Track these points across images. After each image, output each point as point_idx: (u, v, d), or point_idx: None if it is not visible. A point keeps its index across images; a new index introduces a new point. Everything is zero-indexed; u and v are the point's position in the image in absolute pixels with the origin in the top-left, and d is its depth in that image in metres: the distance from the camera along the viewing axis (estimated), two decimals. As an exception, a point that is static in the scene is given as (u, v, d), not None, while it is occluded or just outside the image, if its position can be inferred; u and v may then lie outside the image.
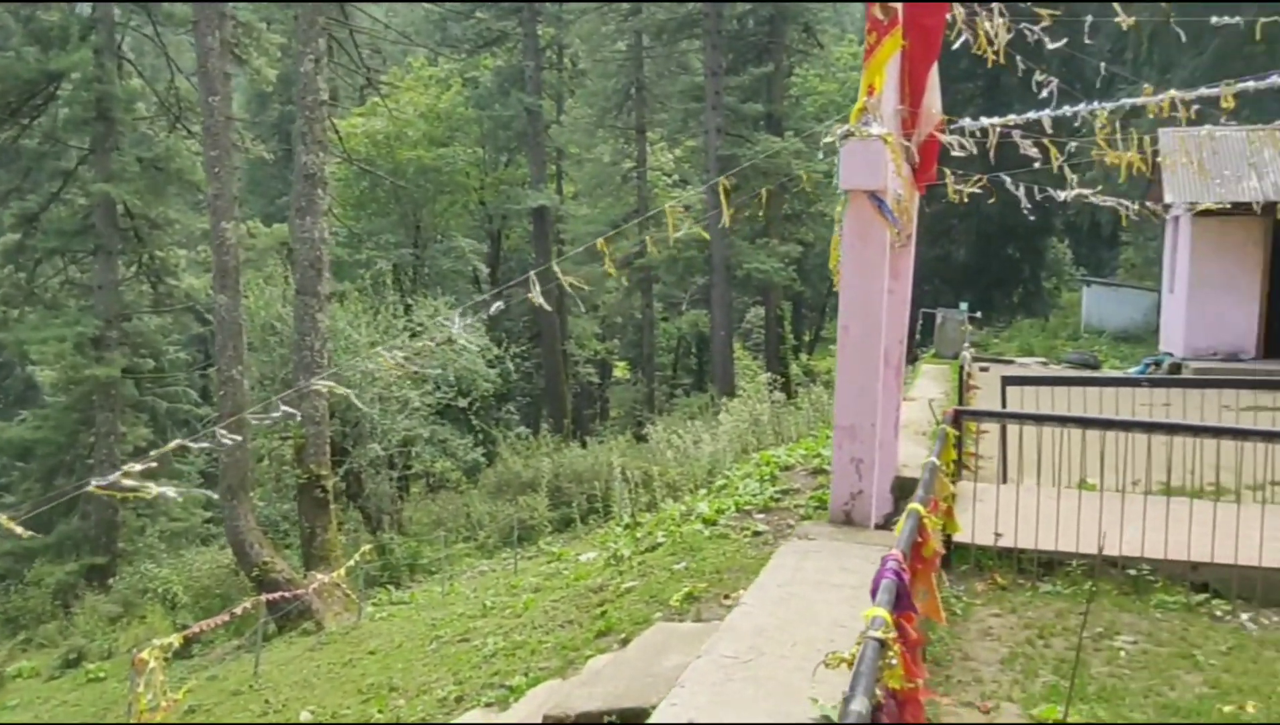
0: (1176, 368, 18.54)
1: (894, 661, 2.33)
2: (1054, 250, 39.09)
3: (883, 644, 2.32)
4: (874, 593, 2.81)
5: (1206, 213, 17.50)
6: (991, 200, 9.10)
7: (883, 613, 2.47)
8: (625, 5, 36.42)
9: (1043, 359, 23.14)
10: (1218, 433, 5.65)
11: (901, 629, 2.95)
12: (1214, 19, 8.06)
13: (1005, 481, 8.14)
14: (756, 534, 8.21)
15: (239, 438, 14.90)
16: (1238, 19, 7.84)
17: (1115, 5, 6.37)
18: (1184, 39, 10.03)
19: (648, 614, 7.55)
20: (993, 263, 36.13)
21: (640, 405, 38.20)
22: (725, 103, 33.82)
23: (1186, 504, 6.06)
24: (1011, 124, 6.30)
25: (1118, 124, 8.48)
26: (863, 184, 6.21)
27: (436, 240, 36.90)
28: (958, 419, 6.06)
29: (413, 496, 25.90)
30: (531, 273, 5.71)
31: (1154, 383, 8.05)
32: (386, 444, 21.27)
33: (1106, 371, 20.35)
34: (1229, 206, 17.37)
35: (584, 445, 25.24)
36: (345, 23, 24.74)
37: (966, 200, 8.62)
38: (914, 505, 3.68)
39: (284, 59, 27.05)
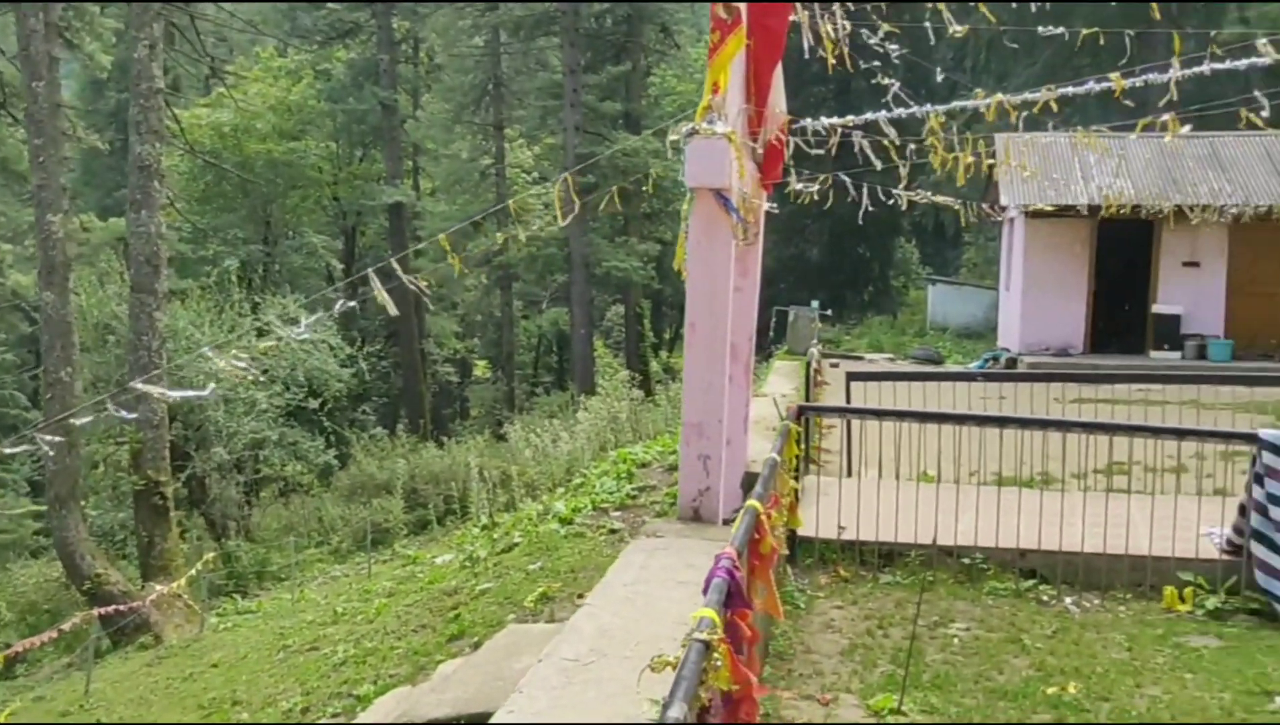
0: (1013, 362, 19.40)
1: (719, 663, 2.31)
2: (902, 250, 40.45)
3: (708, 646, 2.29)
4: (706, 592, 2.79)
5: (1039, 214, 18.38)
6: (850, 199, 9.34)
7: (711, 613, 2.45)
8: (482, 1, 36.00)
9: (890, 355, 23.90)
10: (1044, 425, 5.89)
11: (734, 627, 2.94)
12: (1041, 29, 8.42)
13: (850, 475, 8.32)
14: (612, 532, 8.22)
15: (63, 442, 14.08)
16: (1062, 30, 8.21)
17: (946, 14, 6.57)
18: (1018, 48, 10.49)
19: (501, 616, 7.45)
20: (844, 262, 37.16)
21: (500, 404, 37.86)
22: (584, 101, 33.80)
23: (1016, 493, 6.31)
24: (851, 124, 6.43)
25: (955, 127, 8.79)
26: (707, 182, 6.23)
27: (288, 236, 35.71)
28: (801, 415, 6.15)
29: (262, 501, 24.99)
30: (370, 270, 5.52)
31: (988, 377, 8.38)
32: (232, 448, 20.43)
33: (949, 366, 21.15)
34: (1058, 209, 18.30)
35: (441, 446, 24.82)
36: (186, 9, 23.67)
37: (816, 199, 8.80)
38: (751, 502, 3.68)
39: (120, 44, 25.72)
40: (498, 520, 14.17)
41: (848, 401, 8.49)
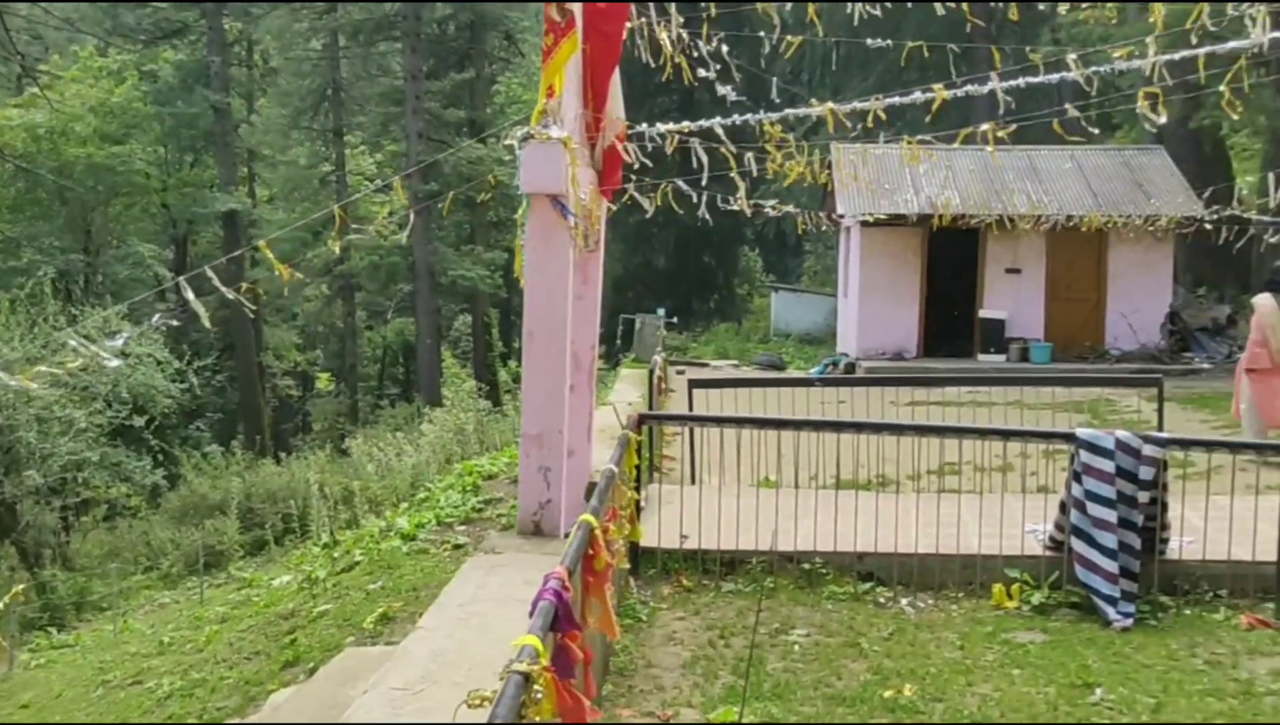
0: (851, 367, 19.96)
1: (540, 695, 2.17)
2: (746, 258, 41.24)
3: (527, 678, 2.16)
4: (532, 615, 2.65)
5: (873, 223, 18.98)
6: (699, 209, 9.36)
7: (534, 641, 2.31)
8: (320, 4, 34.97)
9: (735, 361, 24.28)
10: (879, 428, 5.99)
11: (564, 651, 2.81)
12: (871, 41, 8.64)
13: (694, 482, 8.32)
14: (457, 547, 8.02)
15: None
16: (890, 42, 8.44)
17: (774, 16, 6.65)
18: (851, 62, 10.76)
19: (340, 639, 7.13)
20: (691, 270, 37.62)
21: (343, 418, 36.75)
22: (427, 107, 33.20)
23: (855, 496, 6.38)
24: (688, 131, 6.41)
25: (794, 138, 8.92)
26: (544, 187, 6.10)
27: (112, 245, 33.74)
28: (642, 423, 6.07)
29: (83, 526, 23.47)
30: (182, 277, 5.17)
31: (825, 382, 8.52)
32: (47, 471, 19.10)
33: (791, 372, 21.62)
34: (891, 218, 18.94)
35: (280, 462, 23.86)
36: (-9, 2, 22.10)
37: (660, 208, 8.79)
38: (585, 517, 3.56)
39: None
40: (339, 538, 13.64)
41: (690, 409, 8.50)
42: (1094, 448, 5.51)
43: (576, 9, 6.80)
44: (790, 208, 13.40)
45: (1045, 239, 19.01)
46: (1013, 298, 19.30)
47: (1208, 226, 15.89)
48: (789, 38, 8.34)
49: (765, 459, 7.83)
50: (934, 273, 19.79)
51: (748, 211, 7.99)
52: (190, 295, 5.16)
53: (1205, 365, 17.90)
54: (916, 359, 19.43)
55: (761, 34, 8.33)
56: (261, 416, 33.48)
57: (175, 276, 35.65)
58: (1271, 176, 16.85)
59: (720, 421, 6.04)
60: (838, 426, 5.92)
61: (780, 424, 5.97)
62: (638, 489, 5.96)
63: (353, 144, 39.56)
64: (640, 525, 5.88)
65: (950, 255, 19.69)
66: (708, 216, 10.36)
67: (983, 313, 19.27)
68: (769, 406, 8.83)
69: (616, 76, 7.50)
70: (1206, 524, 5.51)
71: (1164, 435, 5.49)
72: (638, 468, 5.92)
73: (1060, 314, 19.12)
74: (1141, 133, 24.84)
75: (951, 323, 20.04)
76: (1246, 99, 20.51)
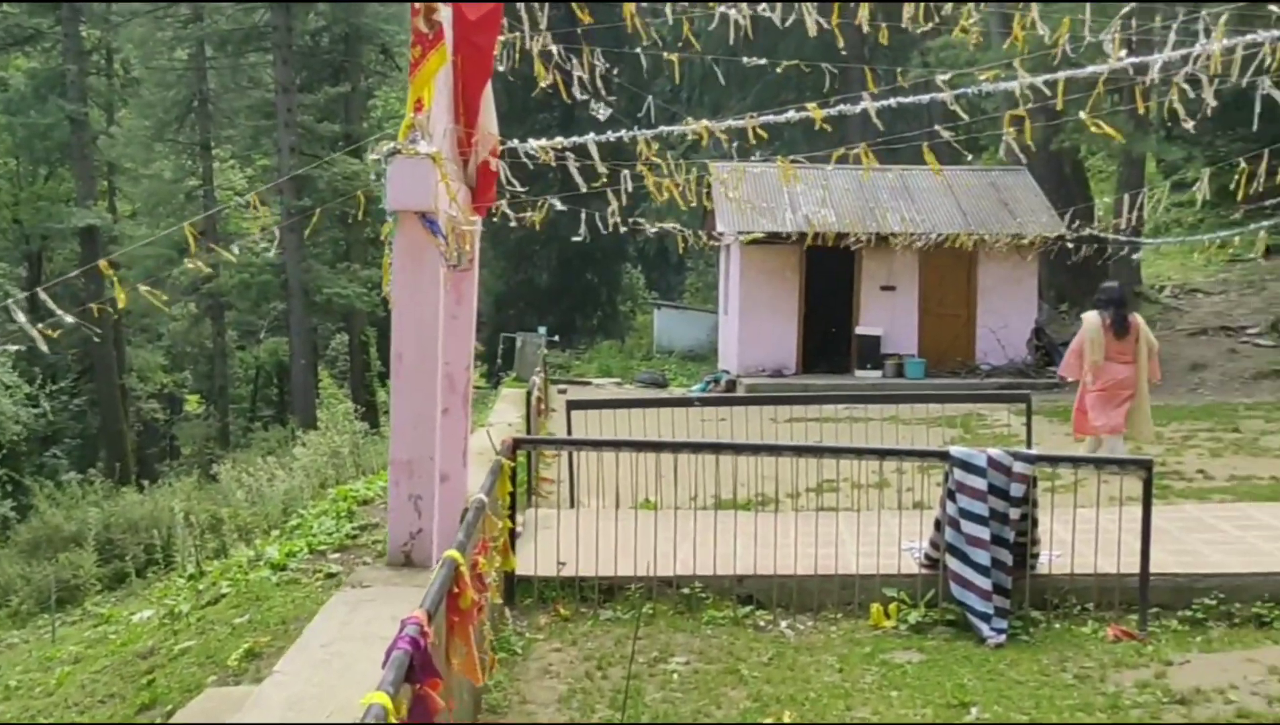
0: (732, 384, 20.07)
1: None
2: (629, 275, 41.31)
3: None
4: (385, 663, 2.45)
5: (752, 241, 19.16)
6: (580, 227, 9.23)
7: (382, 700, 2.11)
8: (184, 10, 33.74)
9: (618, 379, 24.20)
10: (756, 449, 5.92)
11: (423, 702, 2.62)
12: (745, 60, 8.64)
13: (574, 506, 8.15)
14: (329, 576, 7.71)
15: None
16: (766, 61, 8.46)
17: (638, 26, 6.58)
18: (726, 83, 10.80)
19: (201, 679, 6.74)
20: (574, 287, 37.49)
21: (213, 442, 35.35)
22: (299, 121, 32.32)
23: (735, 517, 6.32)
24: (562, 147, 6.26)
25: (670, 155, 8.86)
26: (411, 204, 5.86)
27: (-42, 261, 31.86)
28: (516, 448, 5.88)
29: (-77, 564, 21.93)
30: (12, 300, 4.76)
31: (704, 402, 8.46)
32: (-123, 505, 17.80)
33: (674, 389, 21.66)
34: (770, 236, 19.15)
35: (143, 489, 22.76)
36: None
37: (538, 224, 8.62)
38: (450, 553, 3.37)
39: None
40: (205, 569, 13.02)
41: (569, 431, 8.33)
42: (967, 466, 5.55)
43: (446, 19, 6.60)
44: (670, 226, 13.38)
45: (918, 257, 19.49)
46: (888, 314, 19.71)
47: (1069, 245, 16.50)
48: (666, 54, 8.31)
49: (646, 480, 7.72)
50: (812, 290, 20.09)
51: (622, 229, 7.89)
52: (20, 316, 4.77)
53: (1070, 378, 18.54)
54: (796, 375, 19.66)
55: (638, 50, 8.27)
56: (124, 442, 31.95)
57: (29, 295, 33.85)
58: (1126, 197, 17.67)
59: (597, 444, 5.89)
60: (716, 447, 5.84)
61: (658, 447, 5.86)
62: (513, 516, 5.76)
63: (221, 158, 38.29)
64: (514, 556, 5.68)
65: (828, 273, 20.01)
66: (587, 235, 10.29)
67: (859, 329, 19.63)
68: (650, 426, 8.74)
69: (489, 91, 7.32)
70: (1074, 538, 5.60)
71: (1033, 452, 5.57)
72: (512, 494, 5.72)
73: (933, 330, 19.62)
74: (1006, 155, 25.82)
75: (829, 339, 20.36)
76: (1101, 124, 21.49)
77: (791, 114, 6.06)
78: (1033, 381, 18.53)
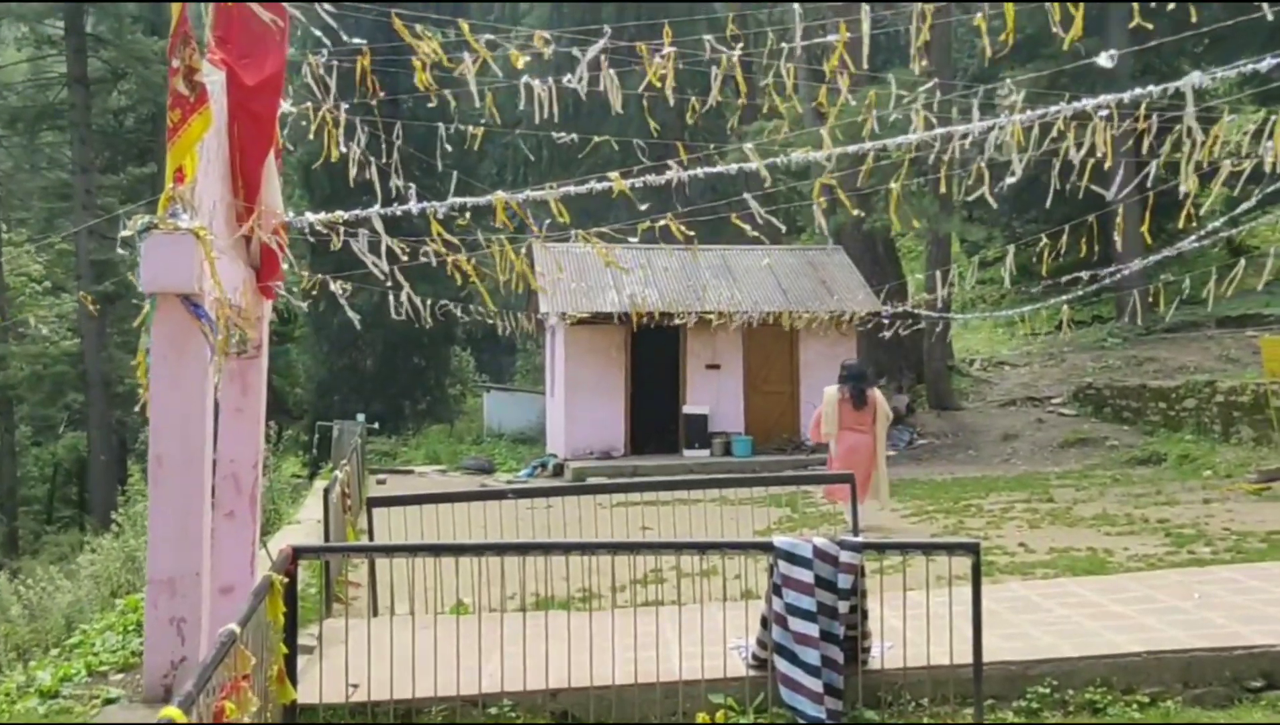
0: (560, 468, 19.54)
1: None
2: (458, 358, 40.44)
3: None
4: None
5: (578, 321, 18.87)
6: (402, 309, 8.62)
7: None
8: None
9: (443, 466, 23.31)
10: (568, 549, 5.41)
11: None
12: (557, 136, 8.34)
13: (376, 614, 7.43)
14: (109, 702, 6.71)
15: None
16: (574, 136, 8.17)
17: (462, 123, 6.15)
18: (545, 167, 10.52)
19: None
20: (401, 371, 36.36)
21: (-1, 549, 32.27)
22: (100, 204, 30.48)
23: (549, 621, 5.74)
24: (341, 221, 5.71)
25: (494, 237, 8.43)
26: (171, 285, 5.20)
27: None
28: (297, 558, 5.19)
29: None
30: None
31: (519, 494, 7.89)
32: None
33: (500, 474, 20.94)
34: (594, 316, 18.90)
35: (-96, 609, 20.25)
36: None
37: (355, 322, 8.00)
38: (166, 711, 2.73)
39: None
40: (-35, 701, 11.47)
41: (370, 530, 7.62)
42: (792, 557, 5.20)
43: (218, 84, 6.01)
44: (490, 310, 12.93)
45: (742, 334, 19.57)
46: (714, 393, 19.66)
47: (885, 322, 16.84)
48: (470, 128, 7.92)
49: (458, 579, 7.09)
50: (638, 369, 19.87)
51: (428, 320, 7.37)
52: None
53: (890, 452, 18.81)
54: (625, 457, 19.29)
55: (459, 127, 7.85)
56: (-110, 554, 28.77)
57: None
58: (937, 274, 18.27)
59: (389, 550, 5.26)
60: (522, 548, 5.30)
61: (459, 549, 5.27)
62: (292, 638, 5.05)
63: (16, 242, 35.79)
64: (292, 684, 4.96)
65: (653, 352, 19.87)
66: (412, 317, 9.85)
67: (686, 408, 19.48)
68: (466, 519, 8.10)
69: (272, 164, 6.72)
70: (905, 625, 5.30)
71: (858, 539, 5.27)
72: (290, 614, 5.01)
73: (759, 407, 19.66)
74: (822, 235, 26.59)
75: (657, 419, 20.12)
76: (908, 202, 22.35)
77: (594, 184, 5.72)
78: (857, 456, 18.75)
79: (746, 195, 6.12)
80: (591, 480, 17.80)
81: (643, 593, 7.78)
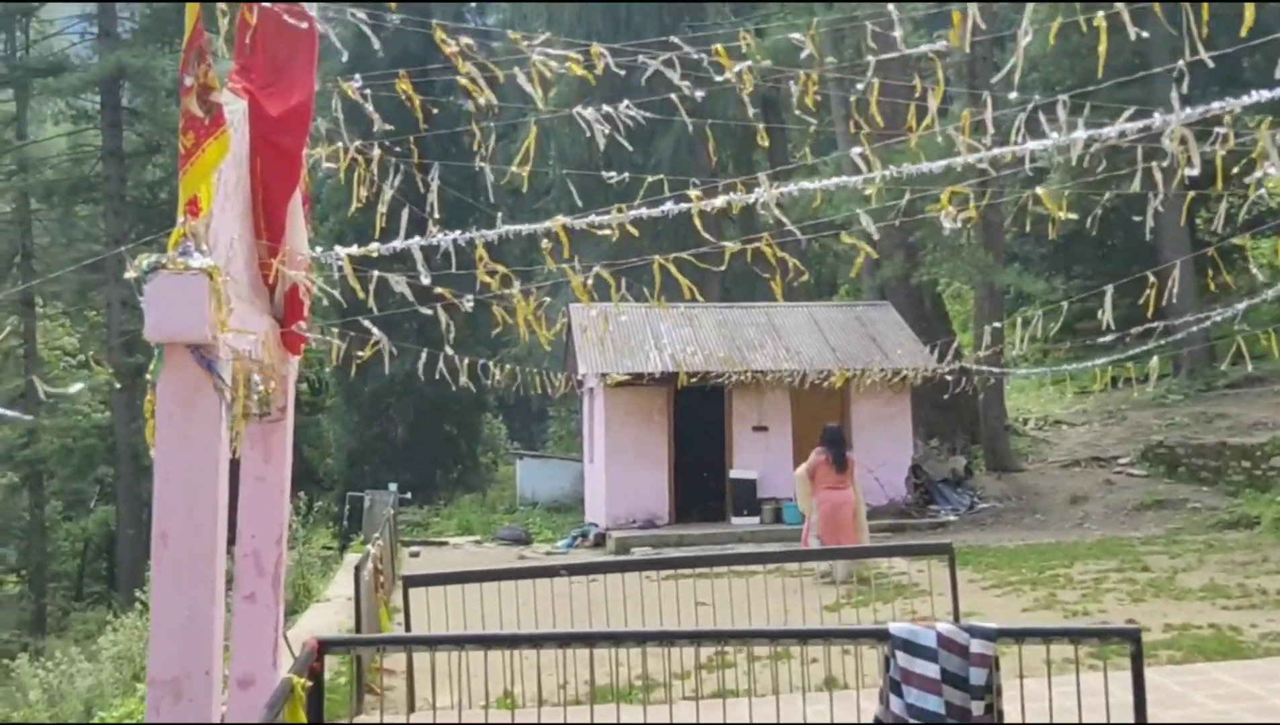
0: (601, 538, 18.63)
1: None
2: (489, 426, 39.91)
3: None
4: None
5: (617, 384, 18.11)
6: (436, 373, 7.96)
7: None
8: (8, 161, 31.78)
9: (477, 537, 22.47)
10: (641, 639, 4.57)
11: None
12: (606, 174, 7.65)
13: (414, 709, 6.59)
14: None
15: None
16: (624, 176, 7.48)
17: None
18: (582, 204, 9.90)
19: None
20: (431, 439, 35.83)
21: (25, 628, 31.59)
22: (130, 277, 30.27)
23: (612, 713, 4.87)
24: (375, 252, 4.98)
25: (531, 295, 7.77)
26: (179, 334, 4.46)
27: None
28: (322, 651, 4.38)
29: None
30: None
31: (573, 571, 7.05)
32: None
33: (538, 545, 20.04)
34: (634, 377, 18.15)
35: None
36: None
37: (398, 377, 7.27)
38: None
39: None
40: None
41: (406, 611, 6.80)
42: (912, 647, 4.33)
43: (239, 113, 5.35)
44: (527, 368, 12.25)
45: (789, 395, 18.71)
46: (762, 456, 18.73)
47: (948, 378, 15.94)
48: (513, 168, 7.23)
49: (505, 667, 6.25)
50: (681, 433, 19.02)
51: (465, 380, 6.64)
52: None
53: (951, 517, 17.84)
54: (669, 525, 18.37)
55: (481, 165, 7.17)
56: (-86, 634, 28.18)
57: None
58: (988, 330, 17.37)
59: (431, 642, 4.45)
60: (588, 639, 4.47)
61: (512, 641, 4.45)
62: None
63: (52, 315, 35.77)
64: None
65: (697, 414, 19.03)
66: (449, 379, 9.26)
67: (733, 473, 18.55)
68: (506, 597, 7.28)
69: (298, 204, 6.04)
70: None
71: (992, 625, 4.38)
72: (315, 710, 4.19)
73: (809, 471, 18.69)
74: (863, 290, 25.83)
75: (703, 485, 19.19)
76: (958, 256, 21.57)
77: (670, 206, 4.99)
78: (915, 521, 17.73)
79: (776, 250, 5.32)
80: (635, 550, 16.91)
81: (708, 680, 6.91)
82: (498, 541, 21.12)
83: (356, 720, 6.63)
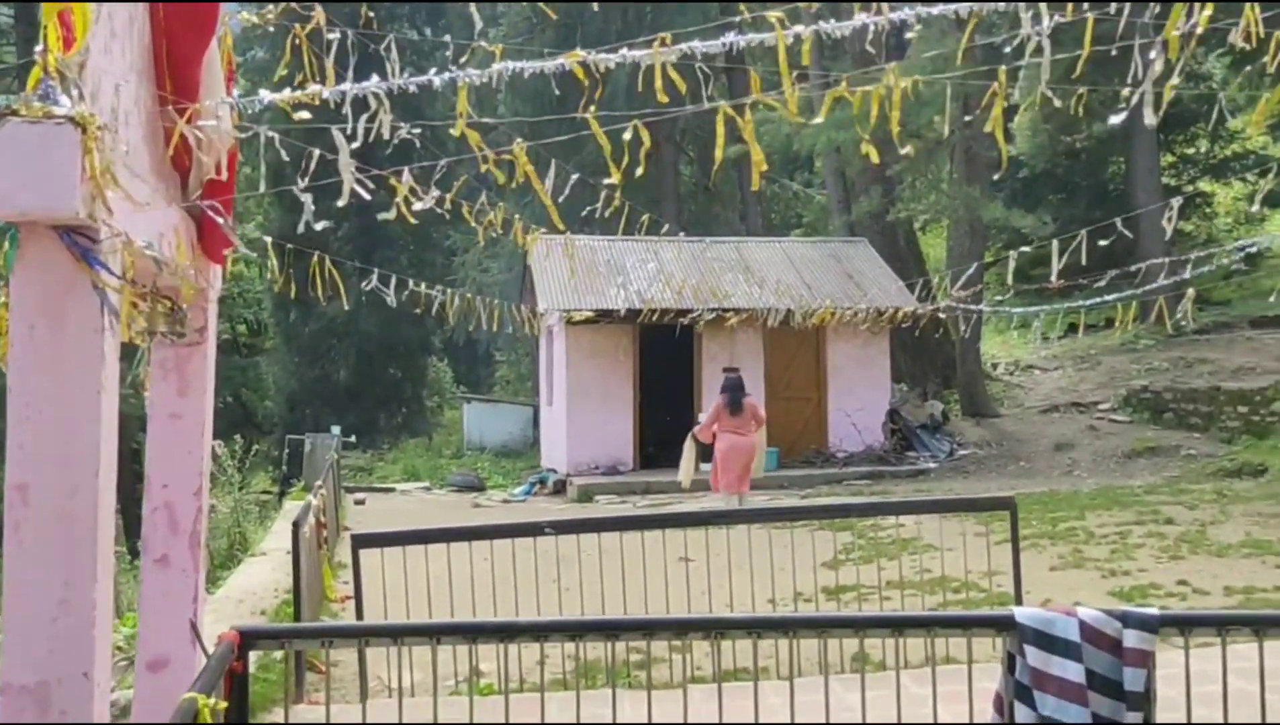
0: (562, 485, 17.54)
1: None
2: (435, 368, 38.64)
3: None
4: None
5: (581, 320, 16.90)
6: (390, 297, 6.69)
7: None
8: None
9: (426, 483, 21.27)
10: (647, 628, 3.39)
11: None
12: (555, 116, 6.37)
13: (367, 695, 5.41)
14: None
15: None
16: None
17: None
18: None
19: None
20: (374, 383, 34.46)
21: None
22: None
23: (606, 699, 3.71)
24: (315, 98, 3.69)
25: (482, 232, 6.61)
26: (39, 207, 3.17)
27: None
28: (243, 646, 3.17)
29: None
30: None
31: (560, 529, 5.89)
32: None
33: (492, 492, 18.90)
34: (599, 314, 16.96)
35: None
36: None
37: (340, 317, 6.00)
38: None
39: None
40: None
41: (356, 577, 5.61)
42: (1048, 640, 3.26)
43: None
44: (486, 299, 11.02)
45: (762, 335, 17.62)
46: (732, 399, 17.64)
47: (941, 316, 14.92)
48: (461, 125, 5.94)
49: (477, 645, 5.10)
50: (647, 375, 17.88)
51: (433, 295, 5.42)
52: None
53: (931, 464, 16.98)
54: (633, 472, 17.31)
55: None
56: None
57: None
58: (975, 267, 16.38)
59: (394, 633, 3.24)
60: (579, 628, 3.29)
61: (503, 632, 3.27)
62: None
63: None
64: None
65: (664, 355, 17.88)
66: (389, 298, 8.21)
67: (703, 417, 17.47)
68: (469, 554, 6.11)
69: (217, 62, 4.68)
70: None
71: (1154, 612, 3.32)
72: (236, 709, 3.01)
73: (782, 415, 17.63)
74: (832, 229, 24.75)
75: (669, 429, 18.12)
76: (938, 190, 20.56)
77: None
78: (894, 468, 16.85)
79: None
80: (599, 498, 15.84)
81: (722, 656, 5.81)
82: (449, 488, 19.97)
83: (297, 709, 5.45)
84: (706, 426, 12.90)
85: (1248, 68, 21.38)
